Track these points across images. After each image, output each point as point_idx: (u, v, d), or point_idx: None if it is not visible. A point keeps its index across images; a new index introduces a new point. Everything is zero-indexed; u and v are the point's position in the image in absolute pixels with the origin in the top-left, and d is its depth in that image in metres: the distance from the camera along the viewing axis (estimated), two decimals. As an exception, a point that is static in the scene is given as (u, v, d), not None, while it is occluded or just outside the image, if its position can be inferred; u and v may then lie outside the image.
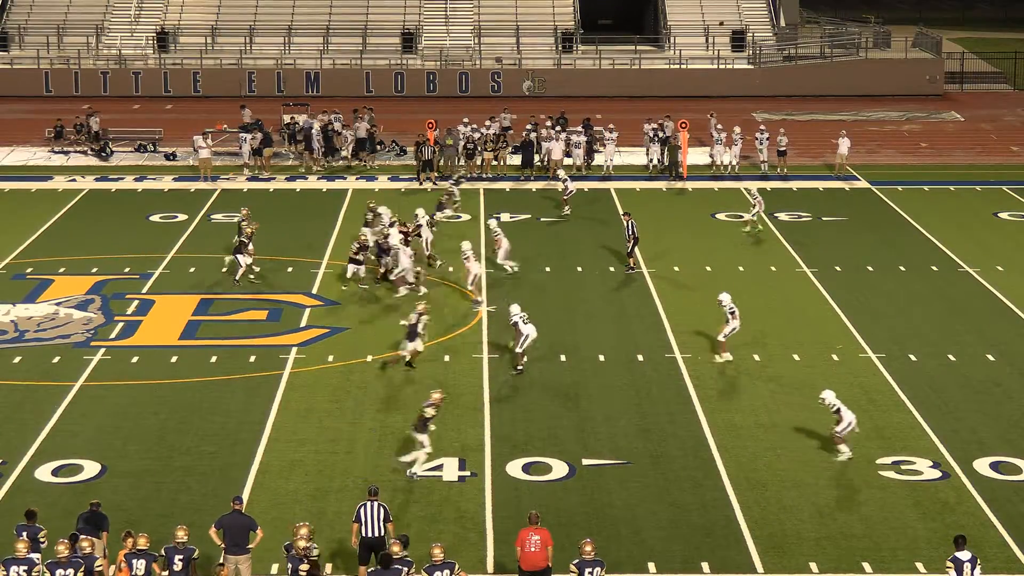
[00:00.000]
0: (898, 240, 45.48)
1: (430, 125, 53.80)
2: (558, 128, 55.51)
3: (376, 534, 23.30)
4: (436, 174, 52.70)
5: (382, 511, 23.46)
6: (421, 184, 52.23)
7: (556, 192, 49.32)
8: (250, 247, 39.96)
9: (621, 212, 44.81)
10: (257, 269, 40.45)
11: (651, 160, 54.88)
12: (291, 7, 76.57)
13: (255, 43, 74.35)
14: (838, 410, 28.68)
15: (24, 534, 22.42)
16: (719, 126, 55.31)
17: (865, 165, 56.35)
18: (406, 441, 28.95)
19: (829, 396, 29.06)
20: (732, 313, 33.99)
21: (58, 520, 24.74)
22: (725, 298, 34.30)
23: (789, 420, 30.63)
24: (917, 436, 29.88)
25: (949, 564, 21.91)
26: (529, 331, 33.31)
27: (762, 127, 55.88)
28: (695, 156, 55.23)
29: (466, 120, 55.46)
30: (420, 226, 41.22)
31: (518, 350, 33.47)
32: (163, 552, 22.14)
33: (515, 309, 33.78)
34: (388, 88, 72.14)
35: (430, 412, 27.95)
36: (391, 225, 40.74)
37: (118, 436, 29.73)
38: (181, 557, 22.06)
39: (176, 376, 33.28)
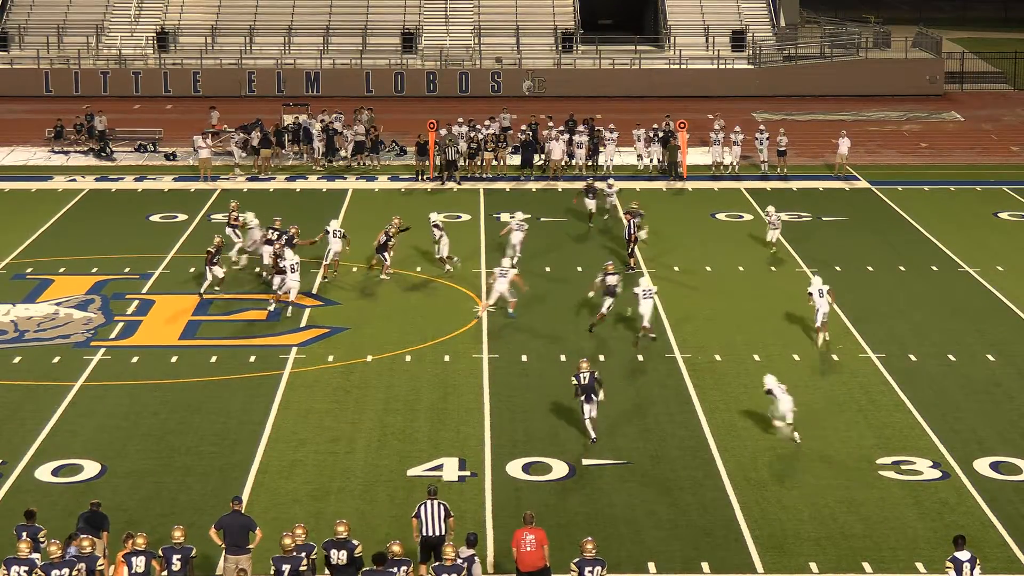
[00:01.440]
0: (898, 240, 45.48)
1: (431, 125, 53.78)
2: (561, 129, 55.42)
3: (437, 532, 23.35)
4: (459, 174, 52.75)
5: (442, 509, 23.52)
6: (443, 183, 52.12)
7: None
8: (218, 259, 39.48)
9: (622, 211, 44.80)
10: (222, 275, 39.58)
11: (651, 160, 54.88)
12: (291, 7, 76.57)
13: (255, 43, 74.33)
14: (770, 391, 29.42)
15: (24, 534, 22.43)
16: (717, 126, 55.23)
17: (865, 165, 56.35)
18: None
19: (768, 380, 29.70)
20: (810, 294, 35.45)
21: (58, 520, 24.75)
22: (815, 281, 35.88)
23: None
24: (917, 436, 29.88)
25: (949, 564, 21.91)
26: (644, 309, 35.09)
27: (762, 127, 55.89)
28: (696, 156, 55.23)
29: (461, 120, 55.46)
30: (436, 226, 41.29)
31: (645, 324, 35.20)
32: (161, 552, 22.13)
33: (644, 283, 35.60)
34: (388, 88, 72.13)
35: (588, 378, 29.50)
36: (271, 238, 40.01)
37: (118, 436, 29.74)
38: (179, 557, 22.05)
39: (176, 376, 33.28)
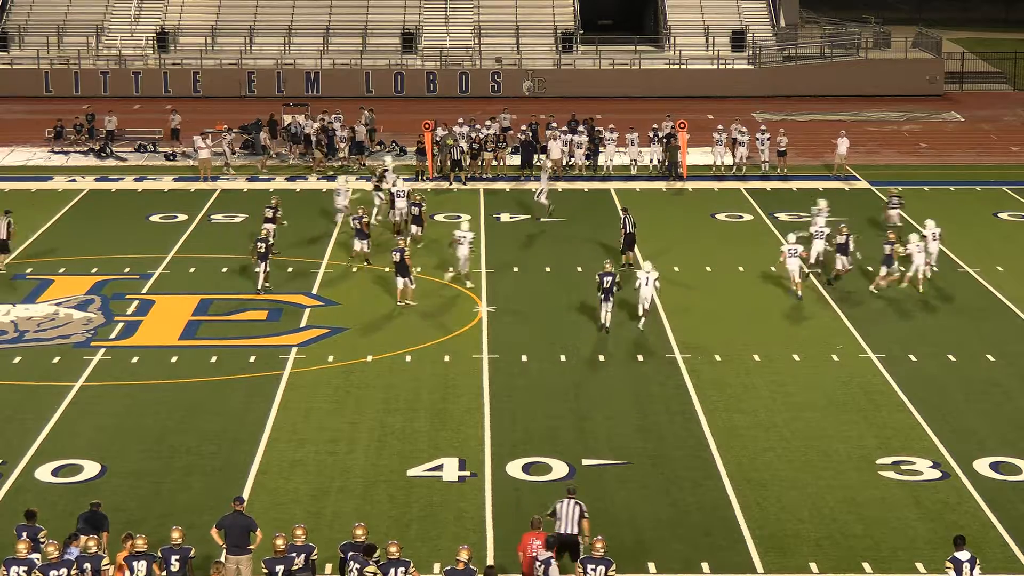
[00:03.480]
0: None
1: (427, 126, 53.72)
2: (564, 129, 55.36)
3: (570, 530, 23.44)
4: (466, 174, 52.75)
5: (578, 509, 23.60)
6: (451, 183, 52.12)
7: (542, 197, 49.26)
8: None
9: (620, 208, 44.78)
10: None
11: (650, 160, 54.88)
12: (291, 7, 76.57)
13: (255, 43, 74.33)
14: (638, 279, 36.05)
15: (24, 534, 22.43)
16: (742, 128, 55.10)
17: (865, 165, 56.33)
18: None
19: (645, 266, 36.03)
20: (923, 237, 40.17)
21: (58, 520, 24.73)
22: (929, 224, 40.72)
23: (789, 420, 30.64)
24: (917, 436, 29.88)
25: (948, 564, 21.92)
26: (810, 255, 40.30)
27: (763, 127, 55.90)
28: (697, 156, 55.19)
29: (461, 120, 55.49)
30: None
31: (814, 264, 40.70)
32: (159, 553, 22.13)
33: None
34: (388, 88, 72.13)
35: (610, 282, 35.58)
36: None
37: (118, 436, 29.74)
38: (177, 557, 22.04)
39: (176, 376, 33.28)
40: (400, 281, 37.80)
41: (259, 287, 39.18)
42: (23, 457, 28.58)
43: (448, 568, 21.89)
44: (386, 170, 47.61)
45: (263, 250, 39.11)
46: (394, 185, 45.14)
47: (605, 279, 35.74)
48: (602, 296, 35.72)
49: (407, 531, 25.30)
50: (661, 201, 50.77)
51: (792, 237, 40.23)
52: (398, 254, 37.80)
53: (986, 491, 27.21)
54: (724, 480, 27.69)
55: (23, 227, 46.12)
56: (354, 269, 41.35)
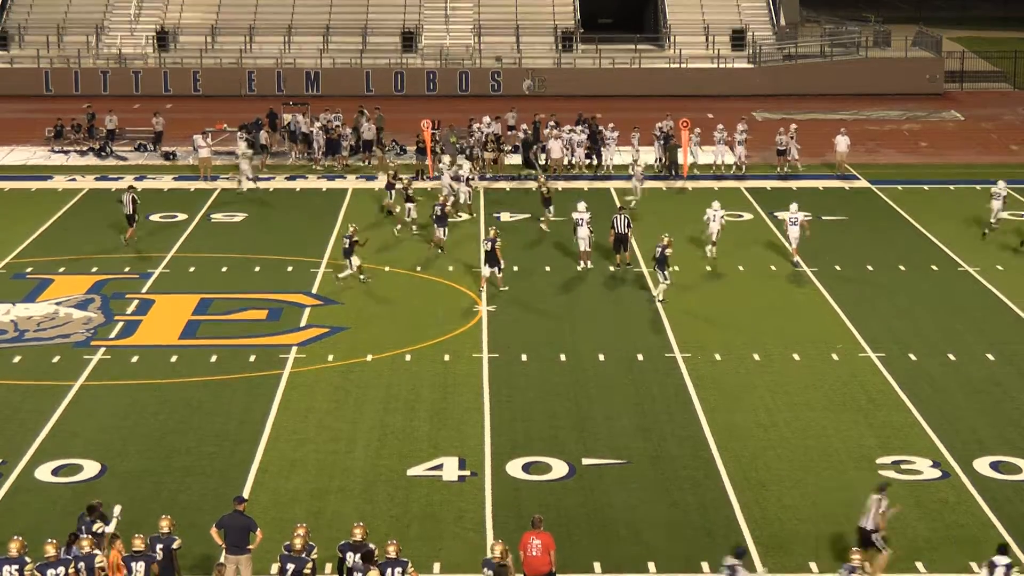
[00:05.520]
0: (898, 240, 45.46)
1: (425, 126, 53.65)
2: (568, 128, 55.30)
3: (867, 525, 24.00)
4: (490, 173, 52.81)
5: (876, 506, 24.09)
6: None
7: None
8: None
9: (618, 206, 44.79)
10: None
11: (655, 161, 54.84)
12: (291, 7, 76.57)
13: (255, 43, 74.35)
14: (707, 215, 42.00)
15: (82, 528, 22.50)
16: (741, 128, 55.07)
17: (865, 164, 56.32)
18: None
19: (714, 205, 42.08)
20: None
21: (58, 520, 24.75)
22: None
23: (789, 420, 30.64)
24: (917, 436, 29.88)
25: (982, 566, 21.90)
26: (714, 228, 42.33)
27: (793, 126, 55.62)
28: (697, 155, 55.11)
29: (487, 119, 55.53)
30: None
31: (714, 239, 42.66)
32: (147, 541, 22.19)
33: (716, 204, 43.12)
34: (388, 88, 72.15)
35: (660, 252, 38.13)
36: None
37: (118, 436, 29.74)
38: (162, 546, 22.13)
39: (176, 376, 33.28)
40: (487, 270, 38.91)
41: (337, 278, 39.93)
42: (23, 457, 28.59)
43: (486, 558, 22.13)
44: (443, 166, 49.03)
45: (347, 246, 39.61)
46: (460, 169, 48.16)
47: (656, 249, 38.39)
48: (656, 266, 38.33)
49: (407, 531, 25.30)
50: (661, 201, 50.74)
51: (794, 206, 42.12)
52: (489, 243, 38.71)
53: (986, 491, 27.21)
54: (724, 480, 27.69)
55: (23, 227, 46.20)
56: (451, 268, 41.31)
